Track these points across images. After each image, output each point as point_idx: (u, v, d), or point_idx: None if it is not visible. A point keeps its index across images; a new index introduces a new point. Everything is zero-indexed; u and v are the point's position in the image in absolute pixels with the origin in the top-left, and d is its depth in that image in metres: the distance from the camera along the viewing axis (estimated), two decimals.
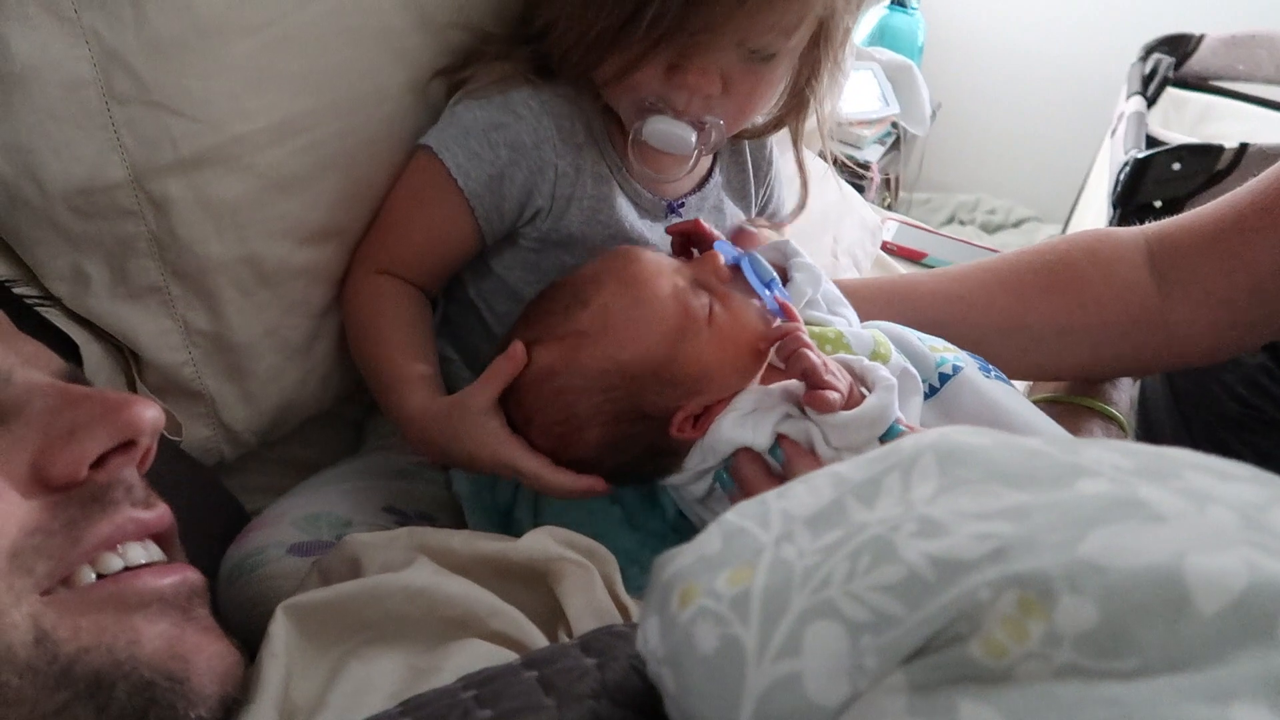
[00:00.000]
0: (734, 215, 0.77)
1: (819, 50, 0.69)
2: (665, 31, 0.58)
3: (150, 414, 0.43)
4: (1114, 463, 0.33)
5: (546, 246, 0.69)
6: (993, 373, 0.70)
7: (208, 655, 0.42)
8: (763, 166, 0.79)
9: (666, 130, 0.63)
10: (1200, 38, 1.98)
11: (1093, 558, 0.28)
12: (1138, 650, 0.26)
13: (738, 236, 0.72)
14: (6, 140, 0.55)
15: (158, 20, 0.57)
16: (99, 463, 0.42)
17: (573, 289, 0.61)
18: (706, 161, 0.73)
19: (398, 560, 0.54)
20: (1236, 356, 0.93)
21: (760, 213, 0.81)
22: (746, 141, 0.77)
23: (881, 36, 2.11)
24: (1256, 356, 0.93)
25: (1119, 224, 1.70)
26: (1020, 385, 0.97)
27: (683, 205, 0.73)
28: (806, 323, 0.64)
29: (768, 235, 0.77)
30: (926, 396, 0.67)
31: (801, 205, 0.83)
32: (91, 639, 0.39)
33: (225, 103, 0.60)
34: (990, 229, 2.65)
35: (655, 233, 0.71)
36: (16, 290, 0.59)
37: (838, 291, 0.73)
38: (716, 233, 0.67)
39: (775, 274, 0.64)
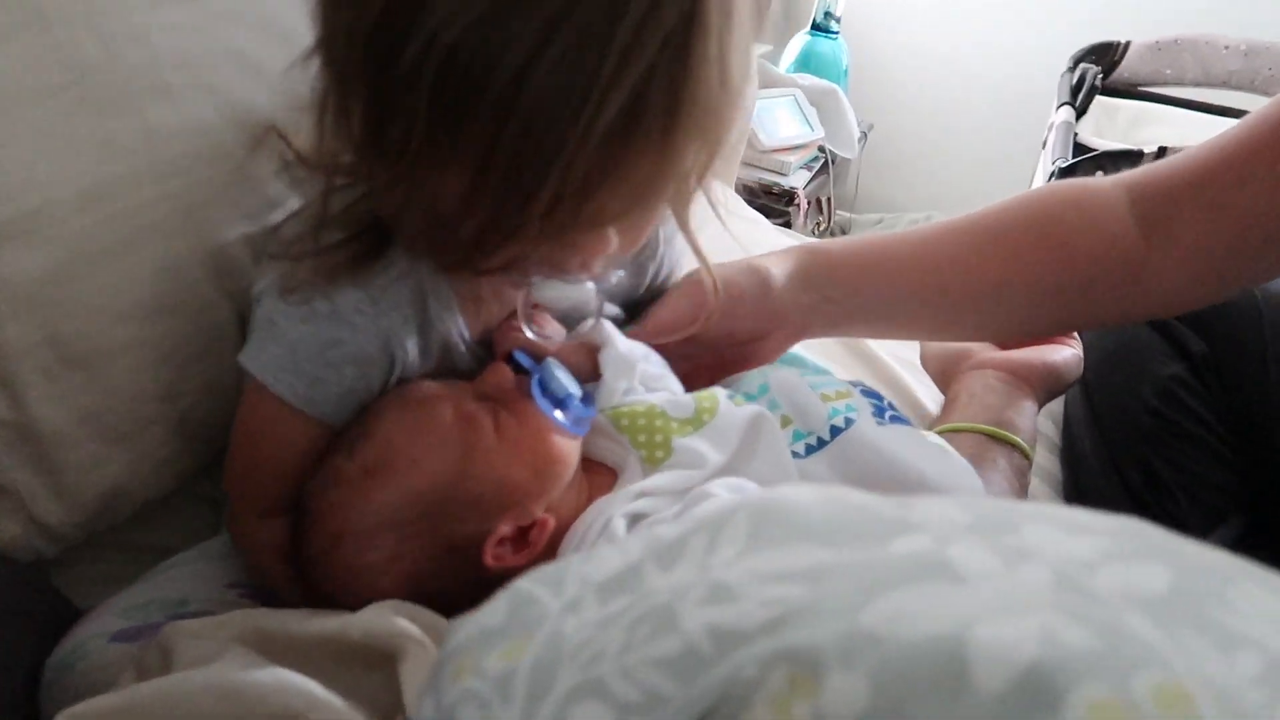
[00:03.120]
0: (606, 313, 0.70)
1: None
2: (560, 225, 0.48)
3: None
4: (947, 517, 0.30)
5: None
6: (887, 415, 0.67)
7: None
8: (649, 241, 0.72)
9: (565, 294, 0.58)
10: (1126, 45, 1.99)
11: (872, 627, 0.25)
12: None
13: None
14: None
15: None
16: None
17: (356, 427, 0.58)
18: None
19: (211, 652, 0.49)
20: (1153, 368, 0.91)
21: (653, 280, 0.75)
22: None
23: (806, 63, 2.11)
24: (1170, 367, 0.90)
25: None
26: (931, 407, 0.93)
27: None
28: (618, 409, 0.61)
29: (557, 330, 0.67)
30: (815, 449, 0.64)
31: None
32: None
33: (18, 172, 0.55)
34: None
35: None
36: None
37: (662, 366, 0.67)
38: (516, 343, 0.62)
39: (572, 386, 0.60)
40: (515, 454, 0.56)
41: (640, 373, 0.64)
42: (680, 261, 0.77)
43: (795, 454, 0.65)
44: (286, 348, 0.56)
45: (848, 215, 2.59)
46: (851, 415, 0.65)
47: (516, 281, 0.58)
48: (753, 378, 0.69)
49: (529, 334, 0.61)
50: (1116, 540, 0.29)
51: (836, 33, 2.12)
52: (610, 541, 0.53)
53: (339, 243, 0.56)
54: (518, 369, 0.61)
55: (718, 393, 0.63)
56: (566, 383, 0.59)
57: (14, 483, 0.60)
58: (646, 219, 0.55)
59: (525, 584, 0.32)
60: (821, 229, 1.95)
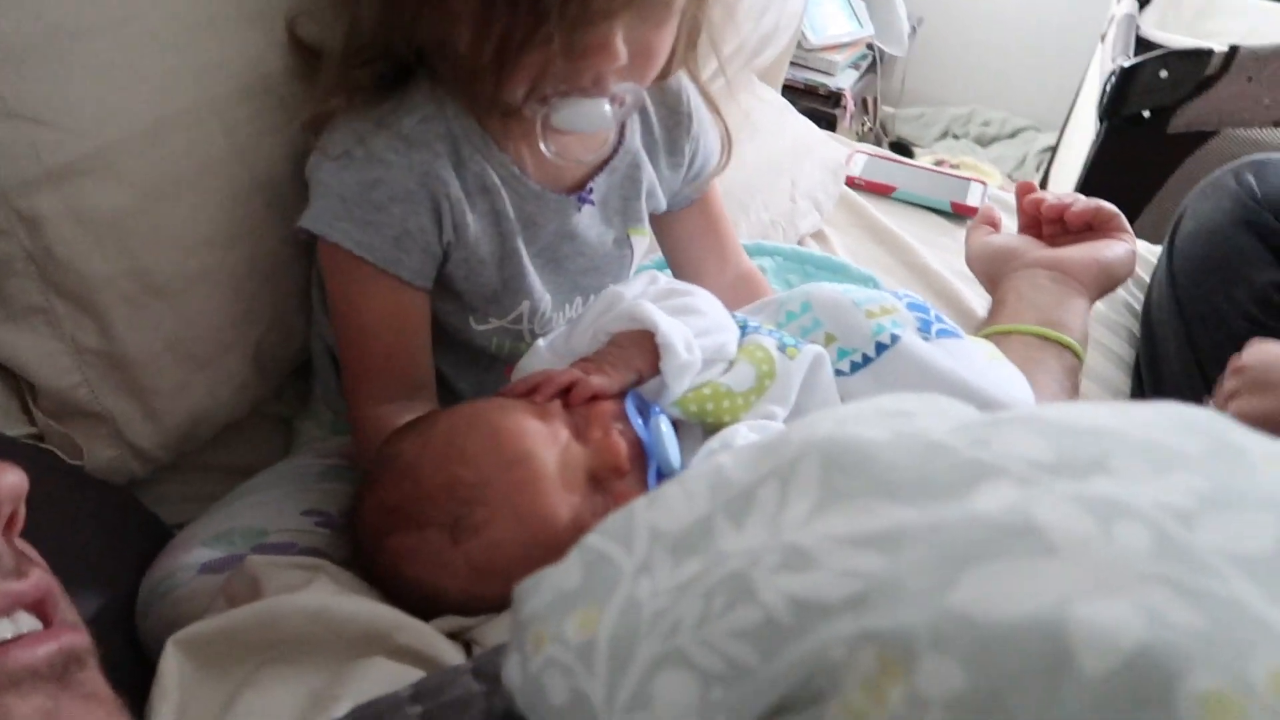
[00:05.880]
0: (651, 179, 0.72)
1: None
2: (566, 22, 0.53)
3: (7, 480, 0.40)
4: (1028, 455, 0.30)
5: (470, 272, 0.66)
6: (934, 329, 0.67)
7: None
8: (682, 120, 0.73)
9: (580, 111, 0.58)
10: None
11: (963, 608, 0.25)
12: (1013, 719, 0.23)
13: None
14: None
15: (5, 27, 0.53)
16: None
17: (461, 504, 0.54)
18: (610, 133, 0.69)
19: (299, 581, 0.52)
20: (1250, 274, 0.87)
21: (691, 165, 0.76)
22: (659, 98, 0.72)
23: None
24: (1268, 273, 0.86)
25: (1108, 135, 1.63)
26: (981, 312, 0.92)
27: (590, 191, 0.68)
28: (684, 398, 0.61)
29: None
30: (860, 366, 0.65)
31: (725, 150, 0.76)
32: None
33: (90, 107, 0.56)
34: (985, 141, 2.57)
35: (568, 219, 0.68)
36: None
37: (710, 317, 0.65)
38: (600, 384, 0.59)
39: (676, 458, 0.57)
40: None
41: (703, 347, 0.61)
42: (713, 149, 0.76)
43: (840, 371, 0.65)
44: (335, 198, 0.60)
45: (891, 111, 2.52)
46: (897, 331, 0.65)
47: (534, 110, 0.58)
48: (794, 296, 0.69)
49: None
50: (1215, 468, 0.29)
51: None
52: None
53: (364, 69, 0.60)
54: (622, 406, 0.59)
55: (768, 345, 0.63)
56: (673, 456, 0.57)
57: (108, 409, 0.63)
58: (641, 35, 0.57)
59: (596, 540, 0.32)
60: (866, 129, 1.91)
